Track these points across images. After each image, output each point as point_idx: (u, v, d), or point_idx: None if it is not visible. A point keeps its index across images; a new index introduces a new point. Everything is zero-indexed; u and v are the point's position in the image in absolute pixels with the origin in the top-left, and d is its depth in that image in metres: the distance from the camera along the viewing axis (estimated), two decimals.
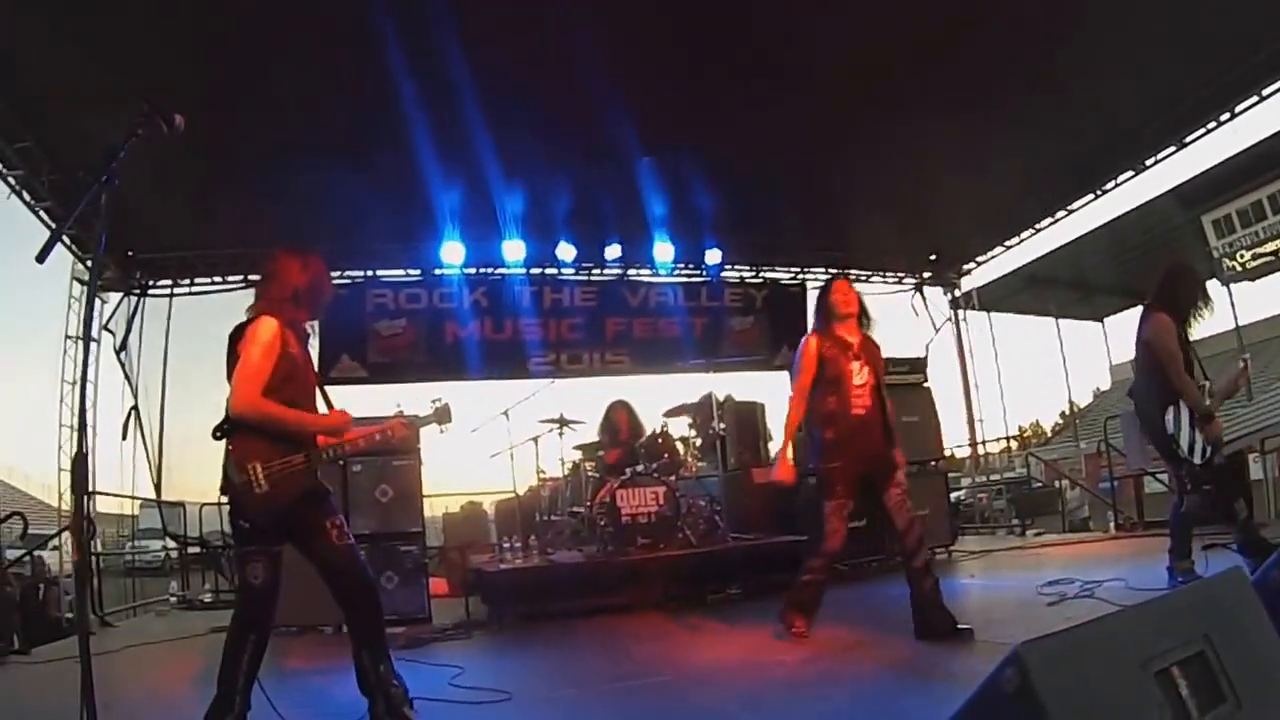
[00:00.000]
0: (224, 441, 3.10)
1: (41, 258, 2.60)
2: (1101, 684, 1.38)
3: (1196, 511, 5.10)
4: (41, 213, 7.99)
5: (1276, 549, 5.02)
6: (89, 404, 8.96)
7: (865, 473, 4.62)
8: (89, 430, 8.67)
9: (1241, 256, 23.55)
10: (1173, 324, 5.11)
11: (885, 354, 5.02)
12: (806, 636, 4.64)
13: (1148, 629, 1.52)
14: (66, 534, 8.37)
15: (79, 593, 3.39)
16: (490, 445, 7.48)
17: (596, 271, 11.25)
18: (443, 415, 3.56)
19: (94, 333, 9.07)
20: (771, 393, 9.13)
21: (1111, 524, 10.01)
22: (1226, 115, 8.67)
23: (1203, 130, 8.99)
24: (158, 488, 10.16)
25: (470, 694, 3.81)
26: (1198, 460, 4.97)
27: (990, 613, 5.31)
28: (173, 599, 9.38)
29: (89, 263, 8.95)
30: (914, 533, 4.52)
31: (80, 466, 2.45)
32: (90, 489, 8.77)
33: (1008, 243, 12.09)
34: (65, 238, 8.10)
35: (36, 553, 8.54)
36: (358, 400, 10.53)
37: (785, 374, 8.36)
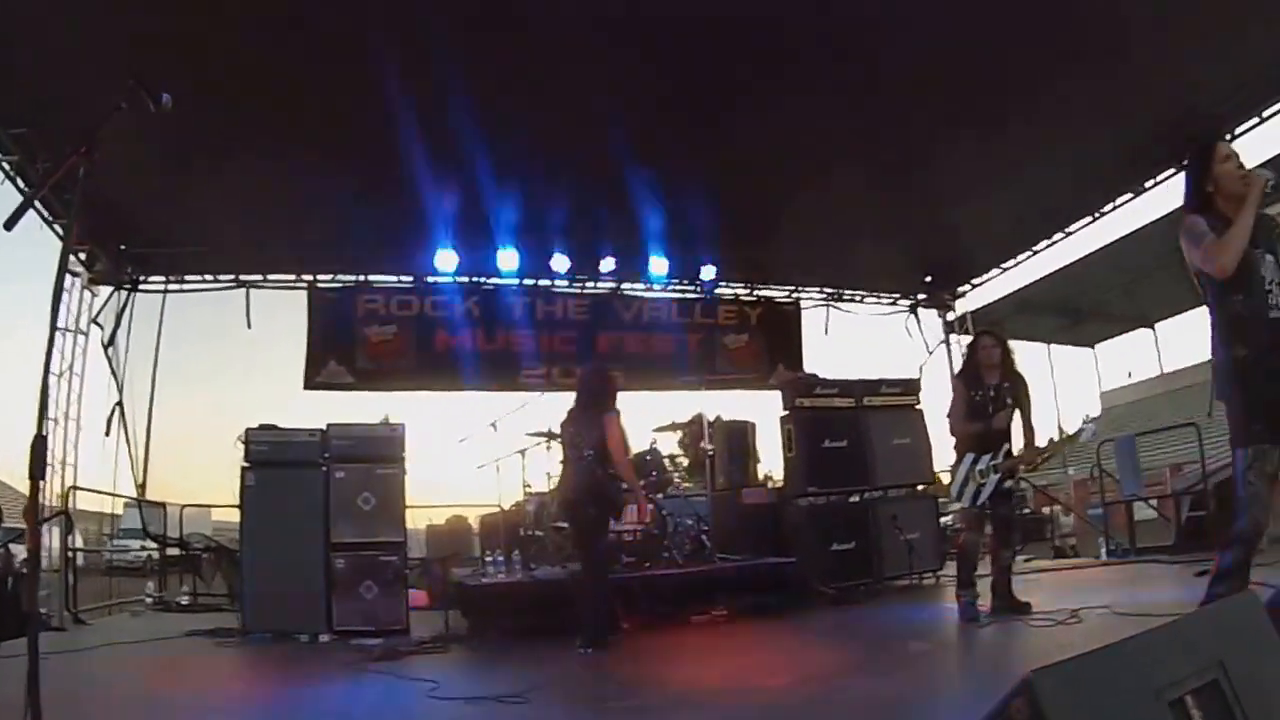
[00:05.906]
0: None
1: (10, 225, 2.56)
2: (1114, 713, 1.30)
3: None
4: (35, 202, 7.88)
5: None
6: (74, 397, 8.96)
7: None
8: (60, 418, 8.76)
9: None
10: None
11: (878, 375, 5.06)
12: None
13: (1161, 656, 1.45)
14: (44, 525, 8.21)
15: (30, 585, 3.28)
16: (476, 457, 7.40)
17: (590, 284, 11.16)
18: None
19: (72, 323, 9.04)
20: (763, 412, 9.01)
21: (1103, 550, 9.92)
22: (1227, 139, 8.59)
23: None
24: (140, 487, 9.99)
25: (450, 704, 3.70)
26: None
27: (979, 638, 5.23)
28: (149, 599, 9.21)
29: (69, 244, 8.81)
30: None
31: (39, 449, 2.35)
32: (74, 483, 8.75)
33: (1003, 265, 12.05)
34: (59, 228, 7.99)
35: (11, 545, 8.37)
36: (342, 406, 10.46)
37: (777, 394, 8.27)
